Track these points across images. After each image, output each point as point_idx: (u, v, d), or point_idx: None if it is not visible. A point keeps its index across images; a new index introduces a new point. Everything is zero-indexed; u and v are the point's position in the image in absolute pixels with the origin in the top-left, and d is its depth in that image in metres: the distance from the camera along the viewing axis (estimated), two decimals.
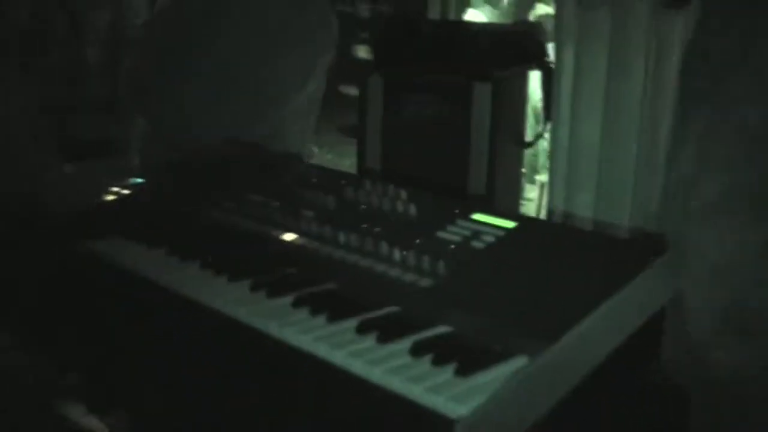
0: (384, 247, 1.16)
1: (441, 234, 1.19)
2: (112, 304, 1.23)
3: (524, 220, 1.22)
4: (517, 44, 2.30)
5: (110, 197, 1.41)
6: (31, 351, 1.56)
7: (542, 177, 3.23)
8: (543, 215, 2.81)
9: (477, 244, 1.14)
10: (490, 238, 1.15)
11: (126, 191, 1.44)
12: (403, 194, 1.31)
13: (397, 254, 1.14)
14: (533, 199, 3.37)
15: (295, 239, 1.25)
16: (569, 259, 1.10)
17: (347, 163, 3.32)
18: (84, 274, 1.29)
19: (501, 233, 1.17)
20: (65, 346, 1.39)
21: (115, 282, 1.23)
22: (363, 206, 1.31)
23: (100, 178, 1.43)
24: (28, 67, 2.09)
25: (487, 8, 3.79)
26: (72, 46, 2.29)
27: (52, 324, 1.43)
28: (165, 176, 1.55)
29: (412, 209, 1.27)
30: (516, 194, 2.35)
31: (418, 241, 1.16)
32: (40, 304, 1.49)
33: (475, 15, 3.70)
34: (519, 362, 0.93)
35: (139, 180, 1.49)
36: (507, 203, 2.20)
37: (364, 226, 1.23)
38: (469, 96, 2.09)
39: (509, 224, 1.19)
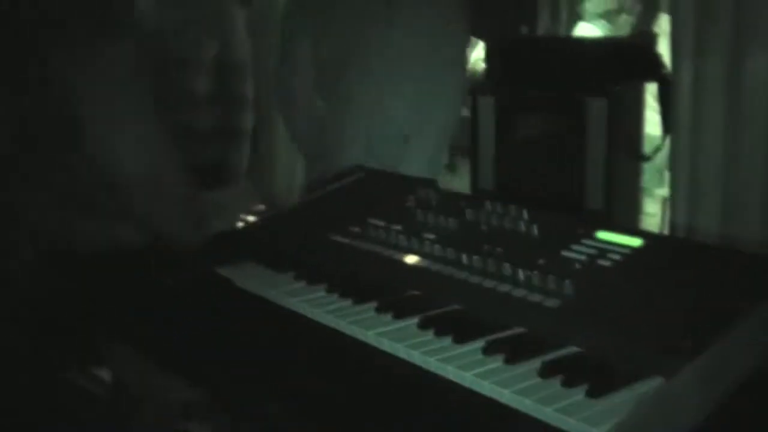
0: (507, 267, 1.16)
1: (565, 253, 1.17)
2: (243, 329, 1.27)
3: (650, 237, 1.20)
4: (631, 57, 2.26)
5: (242, 224, 1.46)
6: (161, 372, 1.63)
7: (663, 191, 3.14)
8: (665, 230, 2.74)
9: (603, 263, 1.13)
10: (616, 257, 1.13)
11: (256, 218, 1.49)
12: (524, 214, 1.31)
13: (521, 274, 1.13)
14: (654, 214, 3.28)
15: (418, 261, 1.26)
16: (700, 277, 1.07)
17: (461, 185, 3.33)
18: (216, 298, 1.34)
19: (627, 251, 1.14)
20: (194, 369, 1.44)
21: (246, 306, 1.27)
22: (484, 227, 1.31)
23: (236, 206, 1.48)
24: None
25: (601, 22, 3.71)
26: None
27: (183, 348, 1.49)
28: (292, 203, 1.60)
29: (534, 228, 1.26)
30: (636, 210, 2.30)
31: (542, 260, 1.16)
32: (172, 328, 1.56)
33: (588, 29, 3.64)
34: (652, 383, 0.91)
35: (268, 206, 1.54)
36: (627, 219, 2.15)
37: (487, 246, 1.23)
38: (584, 112, 2.07)
39: (635, 242, 1.16)
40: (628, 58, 2.26)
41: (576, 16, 3.66)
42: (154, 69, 2.22)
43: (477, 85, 2.47)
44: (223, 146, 2.55)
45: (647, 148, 2.29)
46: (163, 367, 1.54)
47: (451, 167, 3.61)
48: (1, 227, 1.27)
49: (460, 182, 3.69)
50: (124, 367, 2.15)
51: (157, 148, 1.23)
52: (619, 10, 3.81)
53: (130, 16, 2.10)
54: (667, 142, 2.22)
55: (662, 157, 2.36)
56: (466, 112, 2.48)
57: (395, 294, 1.18)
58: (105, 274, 1.97)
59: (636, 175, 2.27)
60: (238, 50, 2.56)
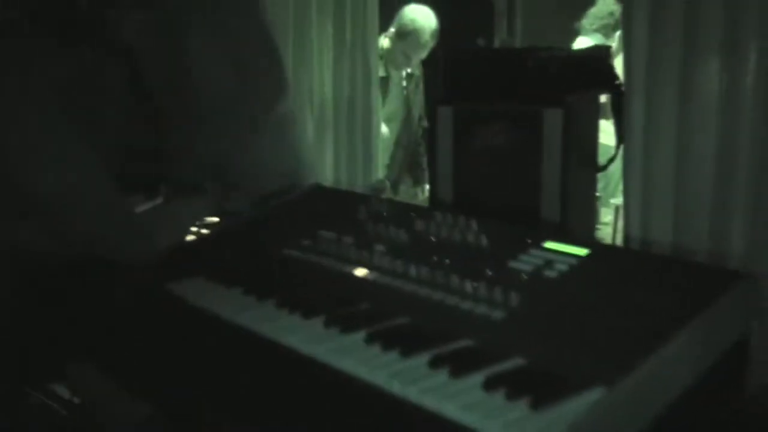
0: (455, 279, 1.16)
1: (513, 264, 1.18)
2: (190, 344, 1.26)
3: (598, 247, 1.21)
4: (586, 68, 2.28)
5: (191, 237, 1.45)
6: (116, 389, 1.62)
7: (617, 200, 3.18)
8: (619, 239, 2.77)
9: (550, 274, 1.13)
10: (563, 267, 1.14)
11: (206, 231, 1.47)
12: (474, 225, 1.31)
13: (468, 286, 1.14)
14: (609, 224, 3.32)
15: (367, 274, 1.26)
16: (645, 287, 1.08)
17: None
18: (164, 314, 1.33)
19: (574, 261, 1.15)
20: (143, 383, 1.43)
21: (195, 322, 1.26)
22: (434, 238, 1.31)
23: (181, 218, 1.47)
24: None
25: (597, 36, 3.75)
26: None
27: (132, 361, 1.47)
28: (242, 216, 1.59)
29: (483, 239, 1.27)
30: (591, 219, 2.32)
31: (489, 272, 1.16)
32: (121, 343, 1.54)
33: (585, 43, 3.68)
34: (596, 394, 0.91)
35: (218, 220, 1.53)
36: (582, 229, 2.17)
37: (435, 258, 1.23)
38: (540, 122, 2.08)
39: (582, 252, 1.17)
40: (583, 69, 2.29)
41: (574, 32, 3.71)
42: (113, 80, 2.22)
43: (436, 96, 2.48)
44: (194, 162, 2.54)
45: (602, 158, 2.31)
46: (117, 383, 1.52)
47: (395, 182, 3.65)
48: None
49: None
50: (80, 384, 2.12)
51: (84, 162, 1.22)
52: (615, 26, 3.86)
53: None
54: (621, 151, 2.25)
55: (617, 167, 2.39)
56: (425, 123, 2.49)
57: (344, 307, 1.17)
58: (56, 290, 1.95)
59: (591, 184, 2.29)
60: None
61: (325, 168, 3.33)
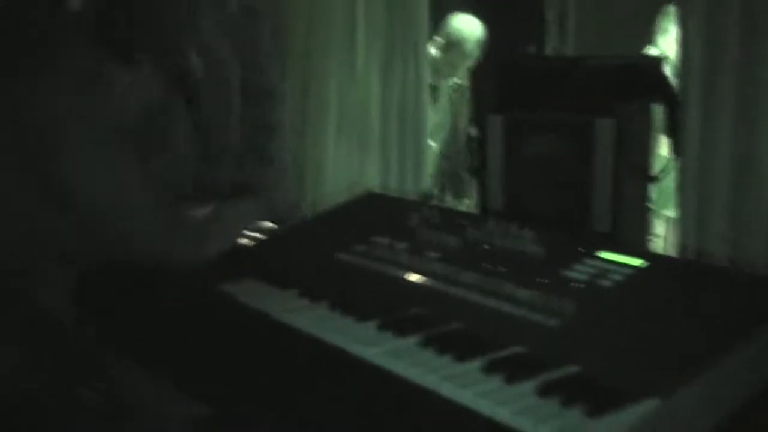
0: (509, 286, 1.16)
1: (567, 273, 1.18)
2: (242, 344, 1.28)
3: (653, 258, 1.20)
4: (639, 78, 2.26)
5: (246, 240, 1.47)
6: (163, 385, 1.65)
7: (669, 212, 3.13)
8: (672, 252, 2.73)
9: (605, 283, 1.13)
10: (618, 277, 1.13)
11: (261, 234, 1.49)
12: (527, 233, 1.31)
13: (522, 294, 1.14)
14: (662, 236, 3.27)
15: (421, 279, 1.27)
16: (703, 298, 1.07)
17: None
18: (219, 315, 1.35)
19: (629, 271, 1.15)
20: (197, 382, 1.45)
21: (248, 322, 1.28)
22: (487, 246, 1.32)
23: (237, 221, 1.49)
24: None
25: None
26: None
27: (187, 361, 1.50)
28: (298, 220, 1.61)
29: (537, 248, 1.27)
30: (644, 231, 2.29)
31: (543, 280, 1.16)
32: (176, 343, 1.57)
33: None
34: (651, 405, 0.90)
35: (274, 223, 1.54)
36: (634, 240, 2.14)
37: (489, 265, 1.24)
38: (592, 132, 2.07)
39: (637, 262, 1.16)
40: (636, 78, 2.26)
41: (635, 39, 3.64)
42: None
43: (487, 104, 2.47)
44: (249, 168, 2.58)
45: (657, 169, 2.28)
46: (166, 381, 1.55)
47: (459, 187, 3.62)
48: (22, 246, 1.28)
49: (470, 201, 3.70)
50: (127, 382, 2.16)
51: (135, 170, 1.25)
52: None
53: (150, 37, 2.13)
54: (676, 163, 2.22)
55: (671, 179, 2.35)
56: (473, 131, 2.49)
57: (397, 312, 1.18)
58: (110, 291, 1.99)
59: (644, 196, 2.26)
60: (266, 78, 2.60)
61: (374, 176, 3.34)
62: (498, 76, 2.49)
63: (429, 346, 1.07)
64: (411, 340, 1.09)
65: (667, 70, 2.31)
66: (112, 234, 1.23)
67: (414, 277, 1.28)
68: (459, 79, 3.93)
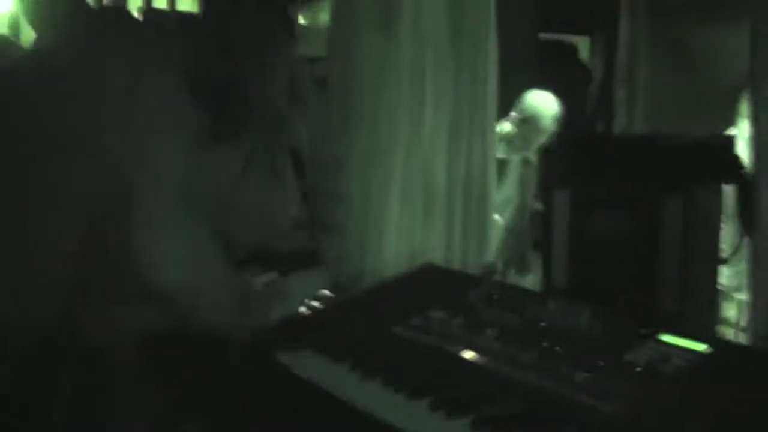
0: (567, 367, 1.13)
1: (627, 356, 1.14)
2: (294, 414, 1.27)
3: (719, 344, 1.16)
4: (710, 157, 2.22)
5: (303, 309, 1.47)
6: None
7: (741, 295, 3.03)
8: (742, 338, 2.63)
9: (666, 368, 1.09)
10: (680, 363, 1.09)
11: (318, 304, 1.49)
12: (588, 312, 1.28)
13: (580, 376, 1.10)
14: (732, 319, 3.16)
15: (476, 357, 1.25)
16: None
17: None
18: (273, 384, 1.34)
19: (693, 357, 1.10)
20: None
21: (301, 393, 1.27)
22: (546, 324, 1.29)
23: (301, 291, 1.50)
24: None
25: None
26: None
27: (237, 427, 1.49)
28: (357, 291, 1.61)
29: (597, 328, 1.23)
30: (713, 314, 2.22)
31: (602, 362, 1.12)
32: (229, 408, 1.57)
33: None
34: None
35: (335, 293, 1.55)
36: (702, 324, 2.08)
37: (546, 345, 1.21)
38: (660, 211, 2.03)
39: (702, 347, 1.12)
40: (706, 158, 2.22)
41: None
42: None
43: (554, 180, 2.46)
44: (314, 237, 2.61)
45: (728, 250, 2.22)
46: None
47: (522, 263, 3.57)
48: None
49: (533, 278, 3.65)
50: None
51: (202, 242, 1.25)
52: None
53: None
54: (746, 244, 2.15)
55: (742, 261, 2.28)
56: (539, 206, 2.47)
57: (450, 391, 1.16)
58: (171, 358, 2.01)
59: (713, 278, 2.20)
60: (330, 149, 2.65)
61: (436, 248, 3.33)
62: (566, 152, 2.48)
63: (482, 427, 1.04)
64: (462, 421, 1.06)
65: (740, 151, 2.27)
66: (181, 307, 1.23)
67: (469, 354, 1.25)
68: (530, 155, 3.92)
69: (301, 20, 2.74)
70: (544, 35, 4.46)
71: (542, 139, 3.85)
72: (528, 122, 3.78)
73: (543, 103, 3.81)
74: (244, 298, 1.35)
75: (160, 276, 1.17)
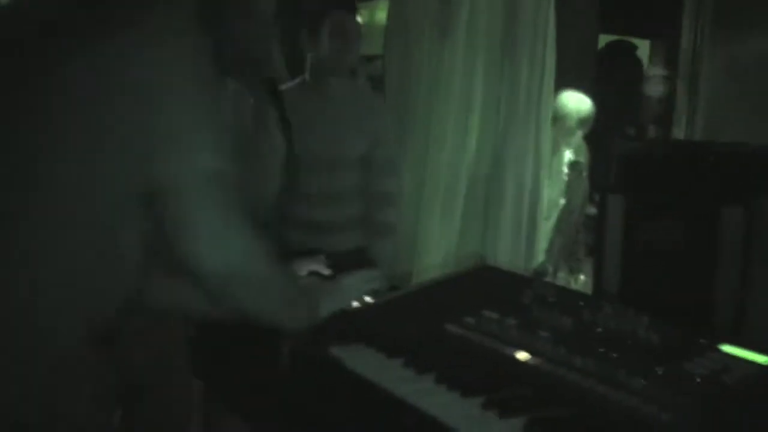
0: (623, 373, 1.12)
1: (685, 365, 1.12)
2: (348, 410, 1.27)
3: None
4: None
5: (358, 305, 1.48)
6: None
7: None
8: None
9: (727, 379, 1.07)
10: (741, 374, 1.07)
11: (371, 300, 1.50)
12: (645, 319, 1.27)
13: (636, 383, 1.09)
14: None
15: (530, 358, 1.24)
16: None
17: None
18: (324, 378, 1.35)
19: (754, 369, 1.08)
20: None
21: (353, 388, 1.28)
22: (601, 329, 1.28)
23: (353, 287, 1.50)
24: None
25: None
26: None
27: (288, 420, 1.51)
28: (410, 288, 1.61)
29: (654, 336, 1.22)
30: None
31: (660, 370, 1.11)
32: (279, 401, 1.58)
33: None
34: None
35: (386, 291, 1.55)
36: (762, 336, 2.03)
37: (602, 349, 1.20)
38: (719, 221, 1.99)
39: (764, 360, 1.10)
40: (766, 168, 2.17)
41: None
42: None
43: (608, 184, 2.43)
44: (365, 238, 2.62)
45: None
46: None
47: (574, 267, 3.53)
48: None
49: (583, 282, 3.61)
50: None
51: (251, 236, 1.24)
52: None
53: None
54: None
55: None
56: (592, 210, 2.45)
57: (504, 390, 1.15)
58: (221, 347, 2.03)
59: None
60: (387, 151, 2.66)
61: (484, 249, 3.31)
62: (622, 156, 2.45)
63: (533, 429, 1.03)
64: (515, 421, 1.06)
65: None
66: (233, 300, 1.23)
67: (523, 355, 1.25)
68: (576, 156, 3.88)
69: (359, 18, 2.74)
70: (604, 36, 4.41)
71: (570, 139, 3.79)
72: (557, 122, 3.75)
73: (573, 103, 3.77)
74: (293, 291, 1.35)
75: (206, 262, 1.17)
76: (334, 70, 2.57)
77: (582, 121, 3.75)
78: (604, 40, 4.57)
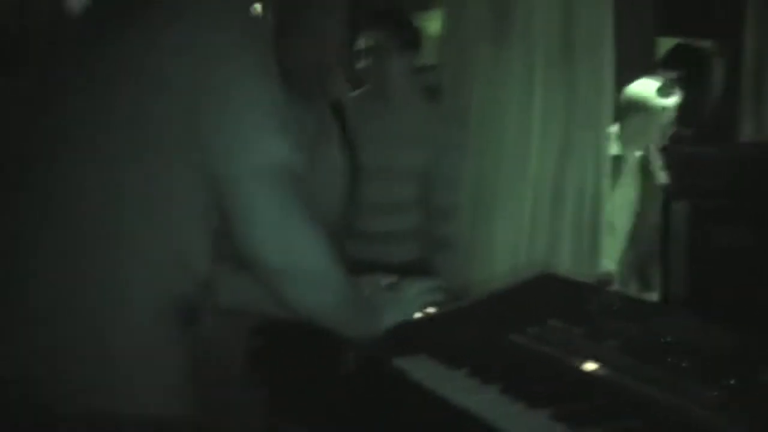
0: (694, 385, 1.09)
1: (760, 375, 1.09)
2: (413, 422, 1.27)
3: None
4: None
5: (419, 315, 1.47)
6: None
7: None
8: None
9: None
10: None
11: (434, 310, 1.49)
12: (715, 328, 1.23)
13: (708, 395, 1.06)
14: None
15: (597, 369, 1.22)
16: None
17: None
18: (389, 389, 1.35)
19: None
20: None
21: (417, 400, 1.27)
22: (670, 338, 1.25)
23: (414, 299, 1.50)
24: None
25: None
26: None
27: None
28: (472, 299, 1.60)
29: (726, 344, 1.19)
30: None
31: (733, 381, 1.08)
32: (343, 414, 1.58)
33: None
34: None
35: (448, 301, 1.54)
36: None
37: (672, 359, 1.17)
38: None
39: None
40: None
41: None
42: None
43: (671, 190, 2.39)
44: (424, 250, 2.62)
45: None
46: None
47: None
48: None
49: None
50: None
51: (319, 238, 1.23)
52: None
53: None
54: None
55: None
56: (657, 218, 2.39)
57: (572, 402, 1.13)
58: (286, 355, 2.04)
59: None
60: (449, 165, 2.66)
61: (546, 258, 3.27)
62: (683, 160, 2.40)
63: None
64: None
65: None
66: (291, 296, 1.23)
67: (590, 366, 1.23)
68: (647, 153, 3.61)
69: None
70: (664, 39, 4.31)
71: (654, 131, 3.53)
72: (633, 112, 3.52)
73: (648, 90, 3.51)
74: (354, 293, 1.34)
75: (263, 251, 1.17)
76: (397, 81, 2.58)
77: (668, 110, 3.41)
78: (665, 44, 4.46)
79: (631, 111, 3.48)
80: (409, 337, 1.41)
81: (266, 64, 1.18)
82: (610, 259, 3.34)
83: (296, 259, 1.18)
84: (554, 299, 1.48)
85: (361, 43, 2.69)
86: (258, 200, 1.15)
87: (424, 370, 1.30)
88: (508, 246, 3.26)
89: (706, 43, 4.37)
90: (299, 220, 1.18)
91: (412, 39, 2.77)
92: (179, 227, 1.16)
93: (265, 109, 1.16)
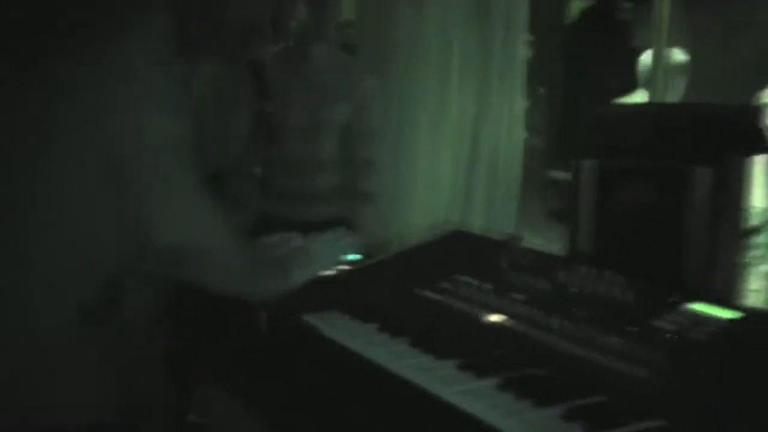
0: (596, 333, 1.13)
1: (657, 322, 1.14)
2: (324, 376, 1.28)
3: (749, 312, 1.15)
4: (737, 127, 2.19)
5: (332, 272, 1.48)
6: (244, 414, 1.66)
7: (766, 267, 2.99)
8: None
9: (696, 335, 1.09)
10: (710, 329, 1.09)
11: (344, 267, 1.50)
12: (617, 280, 1.28)
13: (609, 341, 1.11)
14: (758, 291, 3.13)
15: (504, 321, 1.25)
16: None
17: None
18: (299, 345, 1.36)
19: (723, 324, 1.10)
20: (275, 412, 1.46)
21: (328, 354, 1.28)
22: (574, 290, 1.29)
23: (325, 254, 1.49)
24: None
25: None
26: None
27: (263, 389, 1.51)
28: (384, 255, 1.61)
29: (625, 295, 1.23)
30: (738, 286, 2.20)
31: (632, 328, 1.12)
32: (254, 368, 1.58)
33: None
34: None
35: (358, 256, 1.54)
36: (729, 294, 2.06)
37: (575, 310, 1.21)
38: (689, 182, 2.01)
39: (731, 314, 1.12)
40: (735, 128, 2.19)
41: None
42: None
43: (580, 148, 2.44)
44: (346, 206, 2.62)
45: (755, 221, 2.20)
46: (243, 405, 1.57)
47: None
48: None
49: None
50: (207, 405, 2.19)
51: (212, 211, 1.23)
52: None
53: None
54: None
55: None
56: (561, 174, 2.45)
57: (478, 353, 1.16)
58: (194, 318, 2.03)
59: (740, 249, 2.18)
60: (370, 118, 2.65)
61: (460, 217, 3.32)
62: (593, 121, 2.46)
63: (509, 389, 1.05)
64: (490, 382, 1.07)
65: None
66: (189, 273, 1.23)
67: (497, 318, 1.26)
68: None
69: None
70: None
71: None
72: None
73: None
74: (260, 264, 1.35)
75: (165, 237, 1.16)
76: (316, 37, 2.56)
77: (682, 71, 3.46)
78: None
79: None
80: (320, 293, 1.42)
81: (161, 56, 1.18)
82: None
83: (184, 237, 1.18)
84: (464, 255, 1.50)
85: None
86: (142, 179, 1.15)
87: (334, 326, 1.31)
88: (427, 201, 3.30)
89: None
90: (184, 199, 1.18)
91: None
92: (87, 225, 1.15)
93: (144, 88, 1.16)
